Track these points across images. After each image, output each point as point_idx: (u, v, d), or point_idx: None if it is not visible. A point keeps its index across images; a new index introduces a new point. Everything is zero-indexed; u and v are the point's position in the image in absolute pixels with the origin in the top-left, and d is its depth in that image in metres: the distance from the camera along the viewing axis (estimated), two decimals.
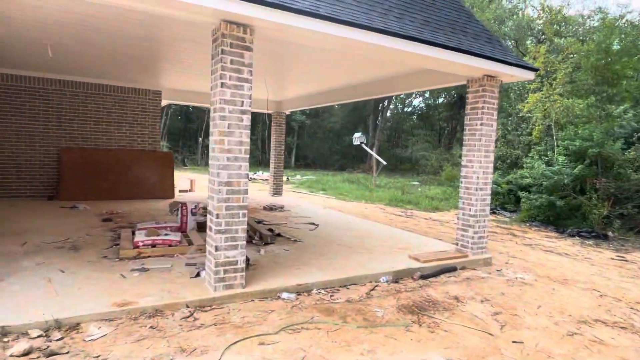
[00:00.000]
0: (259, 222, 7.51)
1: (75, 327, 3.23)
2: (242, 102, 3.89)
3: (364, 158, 36.17)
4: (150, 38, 5.80)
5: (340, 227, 7.65)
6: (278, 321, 3.56)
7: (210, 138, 4.03)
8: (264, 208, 9.53)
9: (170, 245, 5.12)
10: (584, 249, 7.94)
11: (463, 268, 5.57)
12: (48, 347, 2.88)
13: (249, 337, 3.21)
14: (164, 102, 11.13)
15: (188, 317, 3.56)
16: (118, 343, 3.02)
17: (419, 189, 18.97)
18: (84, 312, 3.34)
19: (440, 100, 38.07)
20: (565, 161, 11.18)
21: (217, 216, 3.86)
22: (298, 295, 4.22)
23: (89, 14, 4.72)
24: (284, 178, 23.67)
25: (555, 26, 16.76)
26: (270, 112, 11.91)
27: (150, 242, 5.04)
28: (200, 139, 37.03)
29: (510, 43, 21.61)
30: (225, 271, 3.94)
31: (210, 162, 4.03)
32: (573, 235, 9.68)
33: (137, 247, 4.97)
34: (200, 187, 14.86)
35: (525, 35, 20.46)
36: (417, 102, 43.36)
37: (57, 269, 4.35)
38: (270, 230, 6.67)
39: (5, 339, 2.94)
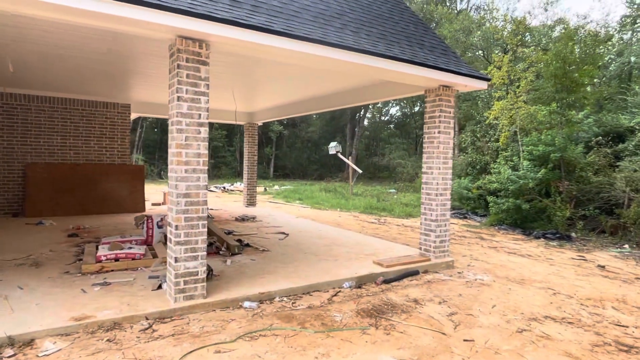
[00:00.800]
0: (229, 233, 7.54)
1: (29, 343, 3.21)
2: (200, 114, 3.98)
3: (342, 167, 36.40)
4: (114, 53, 5.83)
5: (310, 236, 7.75)
6: (237, 329, 3.62)
7: (169, 151, 4.09)
8: (236, 219, 9.56)
9: (133, 259, 5.11)
10: (547, 250, 8.25)
11: (425, 272, 5.74)
12: None
13: (206, 346, 3.26)
14: (133, 115, 11.08)
15: (146, 329, 3.58)
16: (72, 357, 3.03)
17: (395, 196, 19.26)
18: (39, 328, 3.33)
19: (417, 108, 38.79)
20: (530, 166, 11.57)
21: (176, 227, 3.91)
22: (260, 303, 4.28)
23: (47, 30, 4.75)
24: (262, 189, 23.74)
25: (519, 37, 17.45)
26: (242, 123, 11.99)
27: (113, 256, 5.03)
28: None
29: (479, 53, 22.35)
30: (186, 282, 3.98)
31: (169, 174, 4.09)
32: (539, 237, 10.01)
33: (100, 261, 4.95)
34: None
35: (492, 46, 21.20)
36: (393, 110, 44.11)
37: (15, 286, 4.31)
38: (239, 240, 6.71)
39: None
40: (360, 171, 21.01)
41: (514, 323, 4.04)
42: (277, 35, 4.05)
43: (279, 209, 13.35)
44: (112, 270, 4.93)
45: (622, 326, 4.09)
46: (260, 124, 12.25)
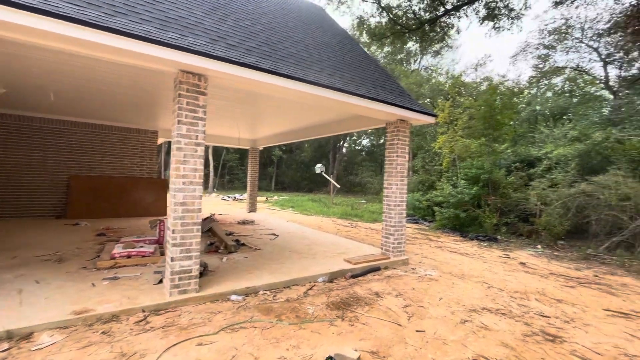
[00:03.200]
0: (230, 234, 6.97)
1: (27, 336, 2.63)
2: (197, 136, 3.51)
3: (326, 183, 35.96)
4: (139, 87, 5.37)
5: (295, 237, 7.22)
6: (222, 321, 3.09)
7: (170, 166, 3.60)
8: (238, 222, 8.97)
9: (143, 256, 4.53)
10: (480, 250, 7.86)
11: (386, 268, 5.26)
12: None
13: (189, 339, 2.72)
14: (160, 140, 10.51)
15: (141, 320, 3.02)
16: (63, 351, 2.46)
17: (365, 206, 18.83)
18: (39, 322, 2.75)
19: (381, 141, 39.06)
20: (466, 184, 11.35)
21: (173, 231, 3.39)
22: (246, 296, 3.75)
23: (80, 65, 4.27)
24: (264, 199, 23.11)
25: (456, 89, 17.50)
26: (247, 147, 11.49)
27: (125, 253, 4.44)
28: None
29: (427, 100, 22.42)
30: (180, 278, 3.44)
31: (170, 186, 3.58)
32: (473, 239, 9.65)
33: (114, 258, 4.36)
34: None
35: (437, 95, 21.29)
36: (365, 142, 44.27)
37: (33, 281, 3.69)
38: (237, 240, 6.16)
39: None
40: (338, 186, 20.58)
41: (457, 314, 3.58)
42: (263, 72, 3.65)
43: (275, 214, 12.77)
44: (124, 266, 4.33)
45: (545, 317, 3.67)
46: (261, 148, 11.77)
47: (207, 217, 7.72)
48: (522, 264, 6.29)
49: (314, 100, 4.49)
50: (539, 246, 8.31)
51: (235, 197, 21.53)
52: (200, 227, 3.54)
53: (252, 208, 11.72)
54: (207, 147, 35.49)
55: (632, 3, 10.83)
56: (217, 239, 6.07)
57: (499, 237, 9.46)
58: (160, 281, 3.81)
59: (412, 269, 5.38)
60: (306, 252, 5.74)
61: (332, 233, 8.62)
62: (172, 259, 3.39)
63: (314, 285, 4.25)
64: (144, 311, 3.17)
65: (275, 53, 4.32)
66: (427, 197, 13.75)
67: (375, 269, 5.02)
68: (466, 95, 17.17)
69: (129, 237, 5.46)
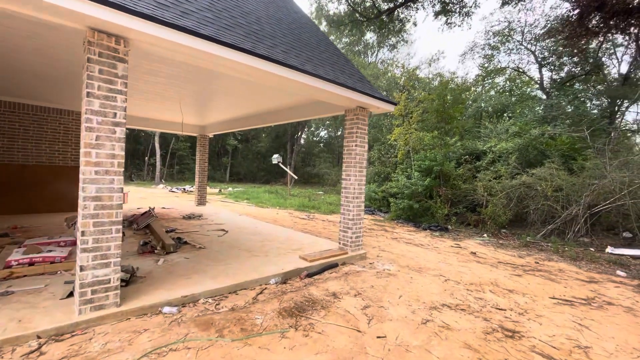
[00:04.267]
0: (171, 230, 6.18)
1: None
2: (115, 113, 2.79)
3: (284, 174, 35.26)
4: (45, 53, 4.30)
5: (247, 232, 6.64)
6: (146, 343, 2.49)
7: (81, 151, 2.84)
8: (184, 217, 8.10)
9: (52, 262, 3.67)
10: (433, 240, 7.98)
11: (344, 264, 4.96)
12: None
13: None
14: None
15: (33, 351, 2.31)
16: None
17: (322, 197, 18.63)
18: None
19: (339, 132, 39.27)
20: (419, 176, 11.58)
21: (83, 233, 2.67)
22: (183, 307, 3.16)
23: None
24: (218, 190, 21.80)
25: (411, 82, 17.87)
26: (194, 134, 10.48)
27: (27, 260, 3.55)
28: (146, 158, 33.01)
29: (384, 93, 22.71)
30: (94, 291, 2.74)
31: (80, 176, 2.83)
32: (426, 229, 9.86)
33: (9, 266, 3.45)
34: (135, 199, 12.64)
35: (393, 88, 21.63)
36: (323, 133, 44.17)
37: None
38: (178, 239, 5.42)
39: None
40: (295, 177, 20.13)
41: (418, 313, 3.37)
42: (204, 39, 3.01)
43: (227, 207, 11.93)
44: (25, 276, 3.46)
45: (501, 309, 3.62)
46: (211, 135, 10.82)
47: (146, 212, 6.79)
48: (473, 253, 6.43)
49: (265, 78, 3.93)
50: (485, 235, 8.69)
51: (184, 189, 20.00)
52: (120, 227, 2.86)
53: (202, 201, 10.79)
54: (153, 135, 32.71)
55: (569, 9, 11.70)
56: (152, 238, 5.28)
57: (449, 227, 9.77)
58: (71, 294, 3.06)
59: (370, 263, 5.15)
60: (258, 249, 5.22)
61: (288, 227, 8.17)
62: (82, 268, 2.68)
63: (265, 289, 3.78)
64: (39, 338, 2.45)
65: (219, 20, 3.67)
66: (383, 189, 13.90)
67: (333, 266, 4.69)
68: (420, 89, 17.62)
69: (37, 239, 4.47)
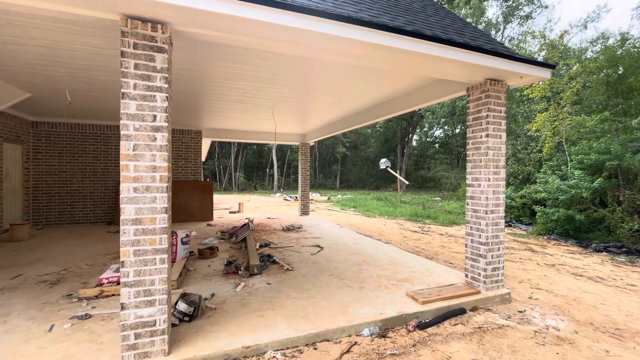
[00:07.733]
0: (266, 245, 5.81)
1: None
2: (155, 116, 2.28)
3: (394, 179, 33.48)
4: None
5: (344, 251, 5.69)
6: None
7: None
8: (283, 229, 7.81)
9: None
10: (618, 269, 5.27)
11: (474, 309, 3.39)
12: None
13: None
14: (206, 140, 10.03)
15: None
16: None
17: (440, 204, 16.22)
18: None
19: (457, 130, 34.80)
20: (582, 175, 8.35)
21: (123, 264, 2.22)
22: None
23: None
24: (326, 197, 22.05)
25: (556, 54, 13.67)
26: (296, 144, 10.36)
27: (116, 278, 3.53)
28: (267, 169, 36.97)
29: None
30: (137, 335, 2.25)
31: (121, 195, 2.44)
32: (600, 251, 6.86)
33: (101, 284, 3.47)
34: (250, 209, 13.58)
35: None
36: (438, 133, 40.17)
37: None
38: (268, 256, 4.92)
39: None
40: (406, 182, 18.33)
41: None
42: (259, 4, 2.23)
43: (331, 217, 11.38)
44: (113, 295, 3.42)
45: None
46: (312, 143, 10.53)
47: (245, 224, 6.72)
48: None
49: (368, 51, 2.84)
50: None
51: (296, 197, 20.95)
52: (166, 256, 2.31)
53: (305, 210, 10.54)
54: (269, 148, 36.22)
55: None
56: (236, 257, 4.92)
57: None
58: None
59: (520, 312, 3.39)
60: (353, 277, 4.18)
61: (396, 243, 6.85)
62: (124, 306, 2.22)
63: (355, 344, 2.69)
64: None
65: None
66: (522, 193, 10.83)
67: (457, 313, 3.22)
68: (573, 59, 13.23)
69: None
